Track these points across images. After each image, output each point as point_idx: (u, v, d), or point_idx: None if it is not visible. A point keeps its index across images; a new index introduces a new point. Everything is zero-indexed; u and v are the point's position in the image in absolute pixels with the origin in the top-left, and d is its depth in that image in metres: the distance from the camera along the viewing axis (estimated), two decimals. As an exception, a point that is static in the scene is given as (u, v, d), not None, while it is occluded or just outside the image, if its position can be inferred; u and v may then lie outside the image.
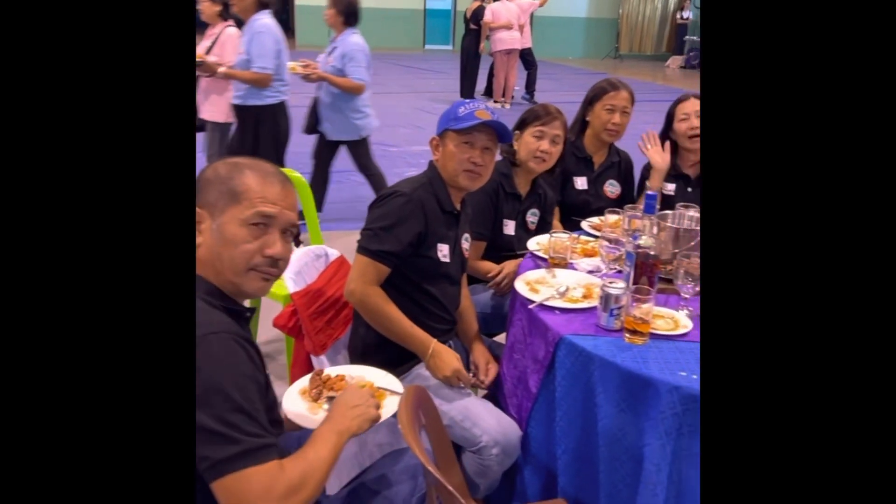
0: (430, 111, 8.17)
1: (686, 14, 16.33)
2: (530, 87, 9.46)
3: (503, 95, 9.01)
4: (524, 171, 2.16)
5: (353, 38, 3.64)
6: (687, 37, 16.34)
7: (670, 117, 2.49)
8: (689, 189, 2.46)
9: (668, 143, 2.44)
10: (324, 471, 1.05)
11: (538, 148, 2.10)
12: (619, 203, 2.43)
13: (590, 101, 2.46)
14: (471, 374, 1.79)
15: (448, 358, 1.68)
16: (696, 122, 2.39)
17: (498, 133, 1.74)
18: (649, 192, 1.90)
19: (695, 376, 1.38)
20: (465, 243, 1.88)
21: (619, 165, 2.54)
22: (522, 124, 2.16)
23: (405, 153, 6.32)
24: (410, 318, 1.70)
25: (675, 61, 15.80)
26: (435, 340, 1.70)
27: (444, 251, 1.76)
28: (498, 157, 2.20)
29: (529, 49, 9.28)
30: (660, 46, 17.24)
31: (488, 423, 1.62)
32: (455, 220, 1.81)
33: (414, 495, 1.36)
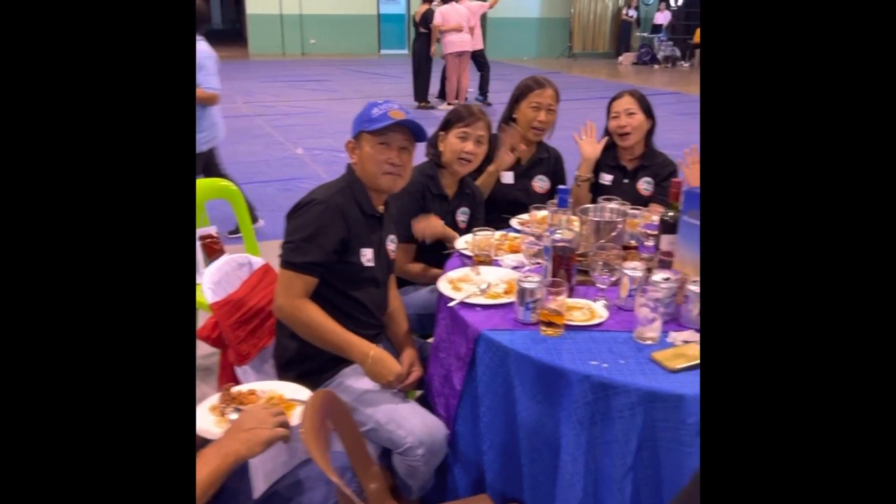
0: (384, 116, 8.17)
1: (630, 12, 16.60)
2: (483, 88, 9.52)
3: (457, 97, 9.04)
4: (450, 172, 2.17)
5: (201, 46, 3.51)
6: (637, 33, 16.64)
7: (607, 112, 2.54)
8: (626, 180, 2.51)
9: (605, 138, 2.50)
10: (199, 489, 1.04)
11: (463, 149, 2.11)
12: (549, 198, 2.46)
13: (516, 99, 2.49)
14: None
15: (390, 363, 1.68)
16: (625, 121, 2.43)
17: (413, 132, 1.74)
18: (561, 188, 1.92)
19: (605, 365, 1.40)
20: (391, 245, 1.88)
21: (549, 161, 2.57)
22: (446, 125, 2.17)
23: (357, 159, 6.30)
24: None
25: (628, 58, 16.06)
26: (375, 347, 1.69)
27: (367, 256, 1.75)
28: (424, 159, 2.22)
29: (481, 51, 9.34)
30: (612, 44, 17.50)
31: (413, 425, 1.62)
32: (378, 222, 1.81)
33: (329, 500, 1.36)
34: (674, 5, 16.61)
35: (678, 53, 15.75)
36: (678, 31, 16.25)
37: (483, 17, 15.68)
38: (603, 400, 1.37)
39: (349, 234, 1.69)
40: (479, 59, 9.30)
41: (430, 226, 2.10)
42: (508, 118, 2.50)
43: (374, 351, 1.67)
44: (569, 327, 1.55)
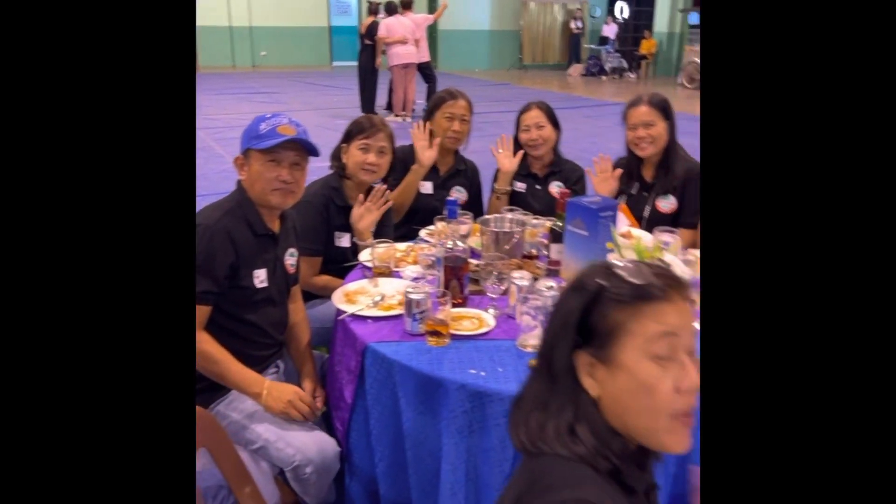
0: (331, 128, 8.11)
1: (578, 24, 16.94)
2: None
3: (403, 109, 9.07)
4: (355, 183, 2.18)
5: None
6: (585, 45, 16.96)
7: (517, 125, 2.58)
8: (538, 187, 2.56)
9: (521, 151, 2.53)
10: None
11: (365, 160, 2.12)
12: (467, 208, 2.49)
13: (431, 111, 2.52)
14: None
15: (283, 390, 1.66)
16: (535, 134, 2.49)
17: (305, 148, 1.73)
18: (449, 199, 1.95)
19: (483, 373, 1.42)
20: (290, 259, 1.86)
21: (466, 173, 2.60)
22: (348, 137, 2.17)
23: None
24: (231, 352, 1.65)
25: (577, 69, 16.34)
26: (267, 381, 1.67)
27: (260, 277, 1.72)
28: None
29: (427, 63, 9.39)
30: (562, 56, 17.80)
31: (302, 442, 1.61)
32: (272, 240, 1.77)
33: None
34: (619, 18, 16.99)
35: (625, 65, 16.10)
36: (625, 43, 16.63)
37: (434, 30, 15.91)
38: (479, 408, 1.39)
39: (238, 259, 1.65)
40: (425, 71, 9.35)
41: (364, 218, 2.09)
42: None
43: (267, 384, 1.65)
44: (455, 337, 1.57)
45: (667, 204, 2.43)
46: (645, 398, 0.85)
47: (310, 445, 1.61)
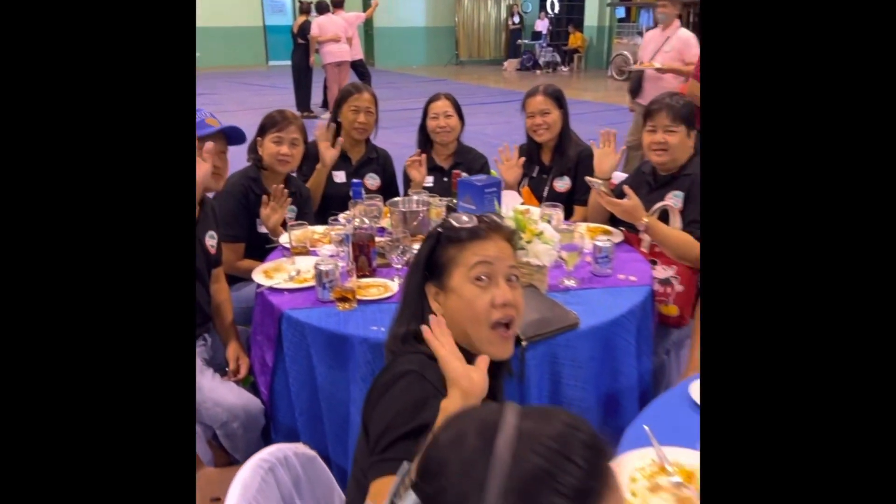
0: (266, 127, 8.22)
1: (515, 19, 17.33)
2: (366, 96, 9.71)
3: (339, 107, 9.20)
4: (272, 173, 2.36)
5: None
6: (520, 41, 17.35)
7: (424, 114, 2.79)
8: (445, 179, 2.78)
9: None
10: None
11: (279, 152, 2.31)
12: (382, 193, 2.70)
13: (338, 104, 2.71)
14: (227, 370, 1.95)
15: None
16: (443, 122, 2.71)
17: (227, 136, 1.93)
18: (355, 181, 2.16)
19: (384, 328, 1.63)
20: (210, 240, 2.03)
21: (378, 160, 2.81)
22: (262, 131, 2.36)
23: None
24: None
25: (512, 64, 16.72)
26: None
27: None
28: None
29: (361, 60, 9.53)
30: (497, 51, 18.16)
31: (229, 402, 1.81)
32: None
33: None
34: (551, 13, 17.45)
35: (558, 59, 16.57)
36: (557, 38, 17.10)
37: (370, 27, 16.03)
38: (380, 359, 1.60)
39: None
40: (359, 68, 9.49)
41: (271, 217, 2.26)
42: (334, 121, 2.72)
43: None
44: (362, 301, 1.78)
45: (562, 184, 2.69)
46: (468, 311, 1.12)
47: (236, 403, 1.80)
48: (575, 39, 16.46)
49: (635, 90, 4.77)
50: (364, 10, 11.21)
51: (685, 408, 1.33)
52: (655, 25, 4.95)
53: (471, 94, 11.82)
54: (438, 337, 1.05)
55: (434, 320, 1.09)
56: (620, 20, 15.75)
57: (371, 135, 2.78)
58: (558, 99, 2.66)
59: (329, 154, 2.58)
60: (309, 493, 1.22)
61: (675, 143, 2.21)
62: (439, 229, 1.19)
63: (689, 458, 1.13)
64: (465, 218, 1.18)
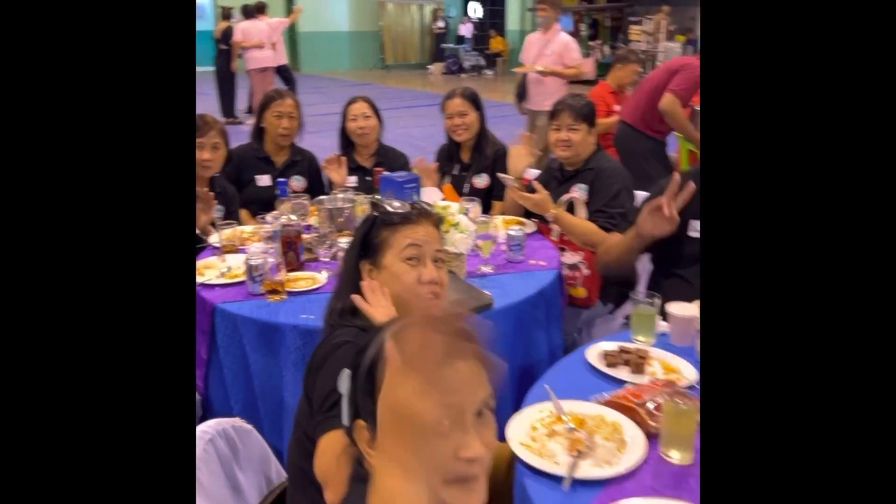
0: (190, 134, 8.08)
1: (440, 24, 17.60)
2: (292, 101, 9.70)
3: (265, 112, 9.15)
4: (197, 178, 2.43)
5: None
6: (444, 45, 17.62)
7: (343, 117, 2.91)
8: (368, 178, 2.91)
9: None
10: None
11: (200, 157, 2.38)
12: (309, 193, 2.80)
13: (261, 110, 2.81)
14: None
15: None
16: (362, 122, 2.85)
17: None
18: (280, 180, 2.27)
19: (312, 316, 1.75)
20: None
21: (303, 163, 2.91)
22: None
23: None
24: None
25: (437, 68, 16.95)
26: None
27: None
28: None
29: (286, 66, 9.52)
30: (423, 55, 18.36)
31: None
32: None
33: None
34: (474, 17, 17.80)
35: (483, 62, 16.92)
36: (481, 42, 17.46)
37: (294, 32, 15.89)
38: (310, 344, 1.72)
39: None
40: (284, 73, 9.47)
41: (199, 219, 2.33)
42: (258, 126, 2.82)
43: None
44: (291, 293, 1.89)
45: (481, 181, 2.87)
46: (398, 286, 1.28)
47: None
48: (496, 43, 16.85)
49: (521, 94, 4.86)
50: (287, 16, 11.19)
51: (581, 369, 1.51)
52: (575, 29, 5.21)
53: (397, 98, 11.95)
54: (372, 301, 1.19)
55: (367, 286, 1.24)
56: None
57: (296, 138, 2.88)
58: (475, 101, 2.84)
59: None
60: (247, 462, 1.33)
61: (578, 140, 2.42)
62: (375, 213, 1.35)
63: (582, 409, 1.31)
64: (397, 203, 1.34)
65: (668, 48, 12.69)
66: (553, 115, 2.48)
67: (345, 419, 0.86)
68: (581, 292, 2.36)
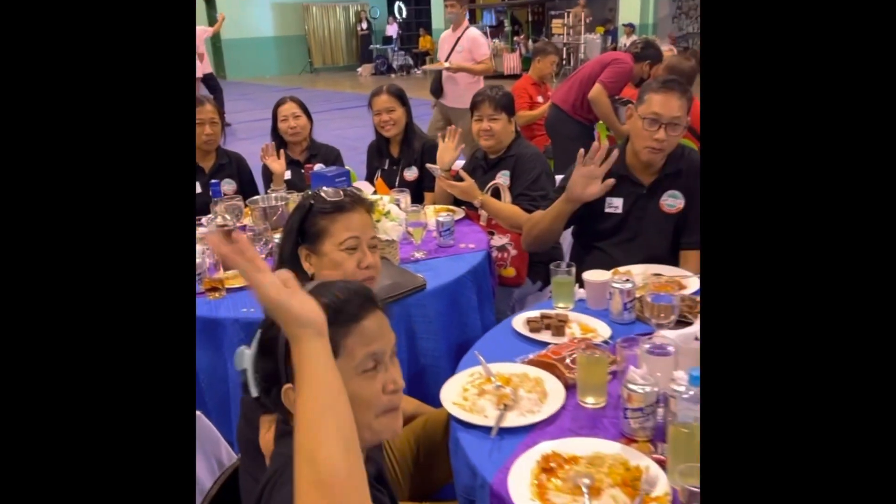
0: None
1: (363, 25, 17.60)
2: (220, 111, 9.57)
3: (192, 121, 9.01)
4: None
5: None
6: (372, 46, 17.64)
7: (274, 118, 2.97)
8: (302, 171, 2.97)
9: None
10: None
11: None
12: (241, 194, 2.84)
13: None
14: None
15: None
16: (293, 122, 2.92)
17: None
18: (213, 182, 2.33)
19: (253, 309, 1.82)
20: None
21: (231, 165, 2.95)
22: None
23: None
24: None
25: (367, 69, 16.97)
26: None
27: None
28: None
29: (211, 74, 9.38)
30: (351, 57, 18.33)
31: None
32: None
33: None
34: (400, 18, 17.88)
35: (411, 62, 17.03)
36: (408, 42, 17.56)
37: (217, 40, 15.62)
38: (252, 336, 1.79)
39: None
40: (209, 82, 9.33)
41: None
42: None
43: None
44: (230, 290, 1.95)
45: (411, 173, 2.97)
46: (338, 272, 1.37)
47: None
48: (424, 42, 16.99)
49: (436, 91, 4.80)
50: (210, 25, 11.02)
51: (508, 336, 1.64)
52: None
53: (327, 101, 11.93)
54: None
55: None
56: (466, 22, 16.47)
57: (220, 142, 2.91)
58: (401, 97, 2.94)
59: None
60: (198, 446, 1.40)
61: (499, 129, 2.56)
62: (310, 200, 1.43)
63: (508, 369, 1.43)
64: (331, 191, 1.43)
65: (588, 40, 13.14)
66: (474, 106, 2.61)
67: (253, 391, 0.91)
68: (511, 272, 2.50)
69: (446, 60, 4.66)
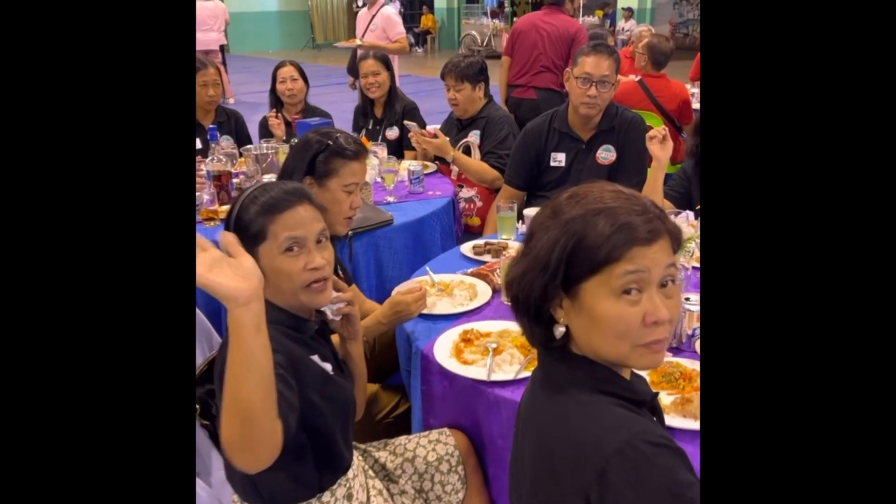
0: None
1: (359, 2, 17.75)
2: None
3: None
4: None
5: None
6: (374, 23, 17.76)
7: (273, 79, 3.24)
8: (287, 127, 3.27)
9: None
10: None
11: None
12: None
13: None
14: None
15: None
16: (290, 85, 3.20)
17: None
18: (211, 126, 2.62)
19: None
20: None
21: (230, 123, 3.23)
22: None
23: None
24: None
25: (368, 46, 17.14)
26: None
27: None
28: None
29: (224, 45, 9.65)
30: (353, 34, 18.43)
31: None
32: None
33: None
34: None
35: (412, 40, 17.19)
36: (411, 21, 17.71)
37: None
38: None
39: None
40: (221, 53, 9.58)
41: None
42: None
43: None
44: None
45: (392, 132, 3.27)
46: (335, 208, 1.62)
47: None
48: (426, 21, 17.16)
49: (353, 70, 4.78)
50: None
51: (457, 258, 1.95)
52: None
53: (328, 76, 12.15)
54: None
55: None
56: (468, 2, 16.64)
57: (217, 104, 3.18)
58: (386, 62, 3.23)
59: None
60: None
61: (463, 98, 2.85)
62: (329, 141, 1.64)
63: (450, 278, 1.74)
64: (350, 139, 1.68)
65: (587, 22, 13.32)
66: (443, 76, 2.90)
67: None
68: (476, 221, 2.80)
69: (360, 39, 4.66)
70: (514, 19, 15.26)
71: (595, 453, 0.78)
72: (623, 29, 12.30)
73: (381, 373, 1.82)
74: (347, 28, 18.51)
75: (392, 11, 4.83)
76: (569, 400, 0.85)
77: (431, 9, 17.52)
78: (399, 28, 4.74)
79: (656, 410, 0.92)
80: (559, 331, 0.87)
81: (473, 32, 14.78)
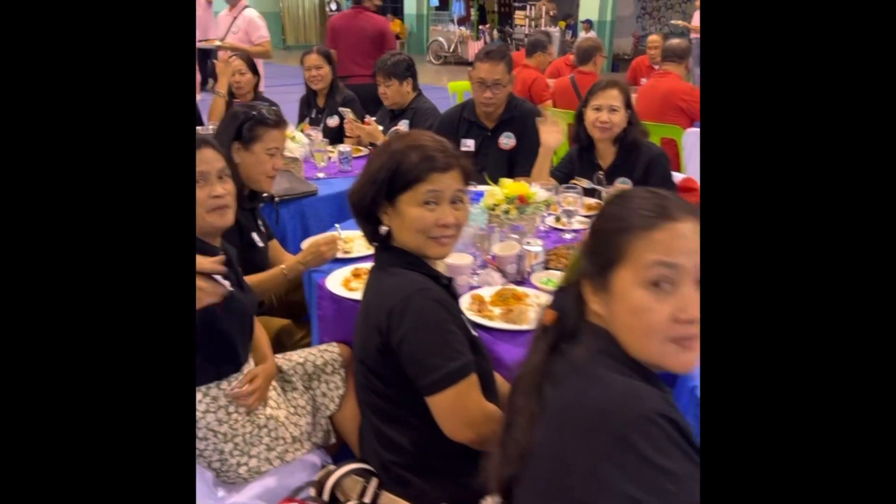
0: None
1: (332, 6, 18.03)
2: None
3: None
4: None
5: None
6: (344, 27, 18.02)
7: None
8: None
9: None
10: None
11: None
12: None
13: None
14: None
15: None
16: (238, 78, 3.48)
17: None
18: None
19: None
20: None
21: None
22: None
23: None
24: None
25: (338, 49, 17.39)
26: None
27: None
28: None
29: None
30: (323, 36, 18.66)
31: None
32: None
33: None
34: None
35: (382, 45, 17.52)
36: (380, 25, 18.03)
37: (191, 11, 15.81)
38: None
39: None
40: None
41: None
42: None
43: None
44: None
45: (332, 121, 3.59)
46: (258, 169, 1.96)
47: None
48: (395, 26, 17.49)
49: (213, 73, 4.40)
50: None
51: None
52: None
53: (296, 76, 12.29)
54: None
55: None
56: (436, 9, 17.03)
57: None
58: (328, 57, 3.59)
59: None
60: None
61: (392, 92, 3.18)
62: (253, 111, 1.94)
63: (354, 234, 2.05)
64: (271, 111, 1.99)
65: (550, 33, 13.80)
66: (371, 75, 3.25)
67: None
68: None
69: (220, 40, 4.56)
70: (481, 27, 15.72)
71: (395, 297, 1.20)
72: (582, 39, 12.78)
73: (294, 310, 2.12)
74: (319, 31, 18.77)
75: (255, 15, 4.67)
76: (383, 274, 1.28)
77: (400, 15, 17.87)
78: (262, 31, 4.61)
79: (450, 290, 1.30)
80: (383, 229, 1.26)
81: (441, 39, 15.15)
